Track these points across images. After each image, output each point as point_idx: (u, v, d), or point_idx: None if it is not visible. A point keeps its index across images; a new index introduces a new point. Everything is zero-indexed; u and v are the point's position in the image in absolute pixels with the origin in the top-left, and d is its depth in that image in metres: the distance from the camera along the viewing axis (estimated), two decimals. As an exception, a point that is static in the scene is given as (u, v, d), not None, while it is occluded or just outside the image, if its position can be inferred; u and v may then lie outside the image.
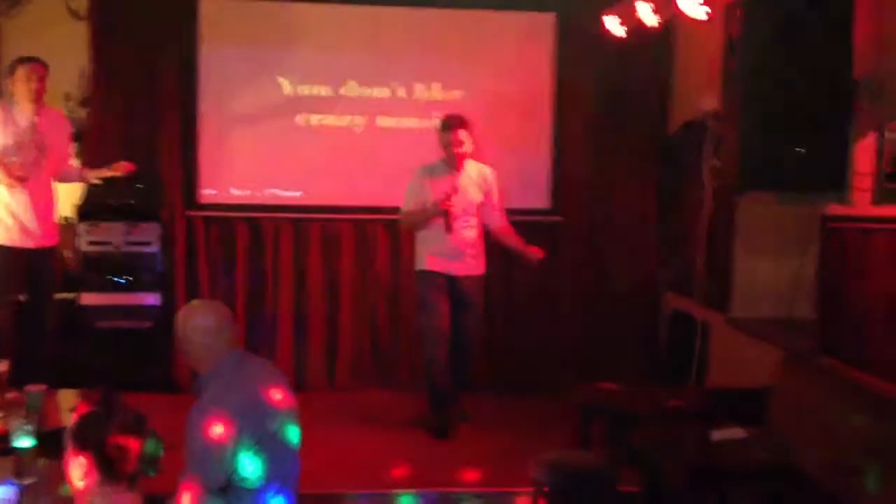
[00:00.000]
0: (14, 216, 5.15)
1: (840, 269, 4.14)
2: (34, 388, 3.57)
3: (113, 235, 5.80)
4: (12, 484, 2.85)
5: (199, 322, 3.06)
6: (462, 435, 5.38)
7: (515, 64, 6.28)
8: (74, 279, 5.81)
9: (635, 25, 5.40)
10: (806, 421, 3.72)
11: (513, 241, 5.51)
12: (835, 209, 4.14)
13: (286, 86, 6.15)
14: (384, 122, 6.24)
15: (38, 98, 5.14)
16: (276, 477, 2.94)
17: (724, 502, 3.55)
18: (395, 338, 6.31)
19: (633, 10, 5.20)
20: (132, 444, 2.13)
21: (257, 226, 6.20)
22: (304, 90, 6.17)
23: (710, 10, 4.64)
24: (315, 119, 6.20)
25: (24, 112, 5.14)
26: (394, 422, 5.61)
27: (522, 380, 6.24)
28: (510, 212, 5.67)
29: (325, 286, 6.25)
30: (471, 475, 4.79)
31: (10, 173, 5.02)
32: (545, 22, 6.29)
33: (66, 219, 5.87)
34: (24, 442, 2.92)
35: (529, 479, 3.99)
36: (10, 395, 3.72)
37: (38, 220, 5.21)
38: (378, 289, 6.29)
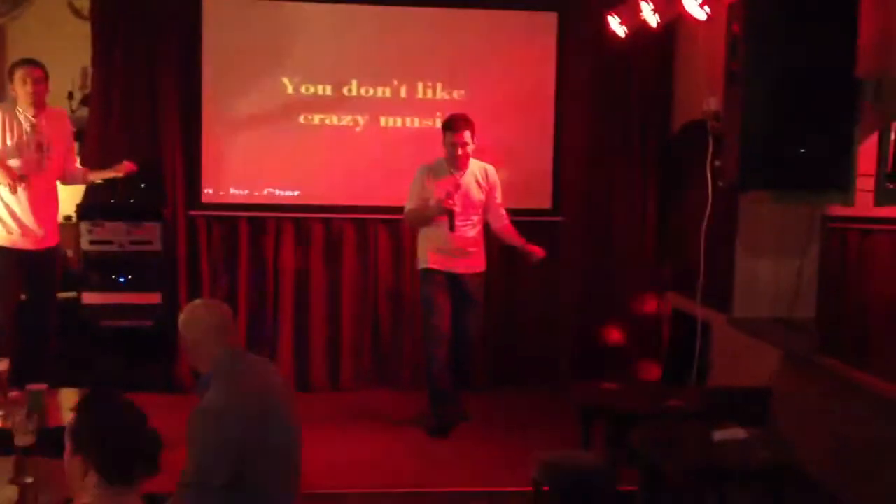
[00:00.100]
0: (15, 217, 5.16)
1: (841, 269, 4.14)
2: (35, 388, 3.58)
3: (115, 235, 5.80)
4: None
5: (201, 321, 3.07)
6: (462, 434, 5.38)
7: (517, 63, 6.28)
8: (76, 278, 5.82)
9: (637, 25, 5.40)
10: (806, 421, 3.73)
11: (514, 239, 5.51)
12: (836, 209, 4.14)
13: (289, 85, 6.15)
14: (386, 121, 6.24)
15: (37, 100, 5.15)
16: (277, 476, 2.94)
17: (725, 502, 3.55)
18: (396, 337, 6.31)
19: (635, 9, 5.20)
20: (131, 443, 2.13)
21: (259, 225, 6.20)
22: (307, 90, 6.18)
23: (710, 11, 4.65)
24: (317, 119, 6.20)
25: (24, 114, 5.16)
26: (395, 421, 5.62)
27: (522, 379, 6.24)
28: (511, 212, 5.67)
29: (327, 285, 6.26)
30: (471, 475, 4.79)
31: (10, 175, 5.04)
32: (547, 21, 6.29)
33: (67, 218, 5.88)
34: (26, 441, 2.93)
35: (529, 479, 4.00)
36: (12, 395, 3.73)
37: (40, 220, 5.22)
38: (379, 288, 6.29)
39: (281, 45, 6.15)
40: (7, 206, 5.14)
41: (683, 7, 4.78)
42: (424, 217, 5.35)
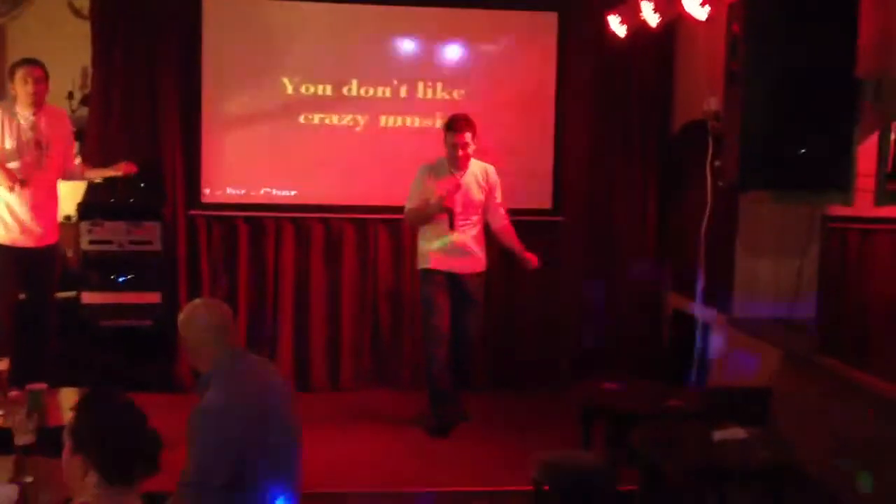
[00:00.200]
0: (14, 216, 5.17)
1: (841, 269, 4.14)
2: (35, 387, 3.57)
3: (115, 234, 5.80)
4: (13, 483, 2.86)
5: (201, 321, 3.07)
6: (462, 434, 5.38)
7: (517, 63, 6.28)
8: (76, 278, 5.81)
9: (637, 25, 5.40)
10: (806, 421, 3.73)
11: (512, 242, 5.52)
12: (836, 209, 4.14)
13: (288, 85, 6.15)
14: (387, 121, 6.24)
15: (37, 100, 5.16)
16: (277, 476, 2.94)
17: (725, 502, 3.55)
18: (396, 337, 6.31)
19: (635, 9, 5.20)
20: (132, 442, 2.12)
21: (259, 225, 6.20)
22: (307, 89, 6.17)
23: (710, 11, 4.65)
24: (317, 118, 6.20)
25: (24, 113, 5.17)
26: (395, 421, 5.61)
27: (523, 379, 6.24)
28: (511, 212, 5.67)
29: (327, 285, 6.25)
30: (471, 474, 4.79)
31: (10, 177, 5.04)
32: (547, 21, 6.29)
33: (67, 218, 5.88)
34: (26, 440, 2.93)
35: (529, 479, 4.00)
36: (12, 394, 3.72)
37: (39, 219, 5.23)
38: (379, 288, 6.29)
39: (281, 45, 6.15)
40: (7, 205, 5.15)
41: (683, 7, 4.79)
42: (424, 216, 5.35)
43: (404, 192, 5.47)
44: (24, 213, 5.18)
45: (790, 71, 3.70)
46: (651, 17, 5.19)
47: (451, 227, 5.27)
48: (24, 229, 5.20)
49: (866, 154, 3.83)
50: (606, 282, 6.34)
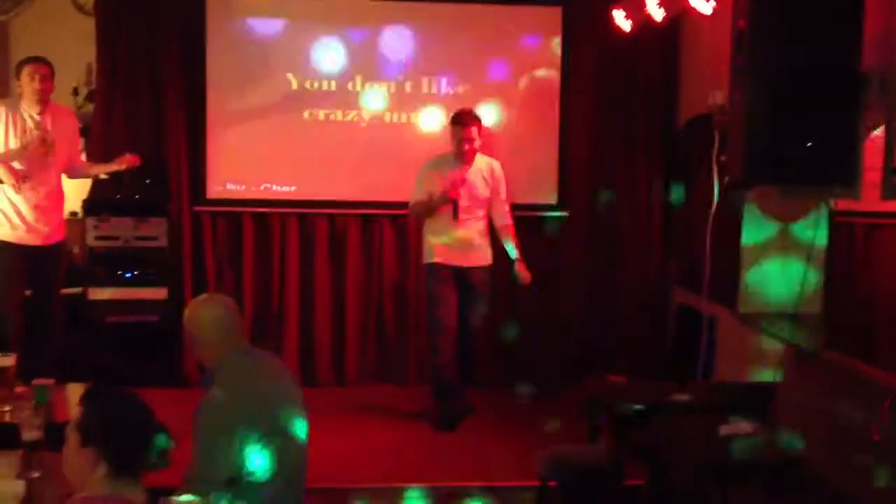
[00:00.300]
0: (20, 215, 5.18)
1: (847, 263, 4.14)
2: (42, 383, 3.58)
3: (120, 230, 5.81)
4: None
5: (207, 316, 3.07)
6: (468, 429, 5.39)
7: (522, 58, 6.28)
8: (82, 274, 5.83)
9: (642, 20, 5.39)
10: (813, 416, 3.72)
11: (512, 245, 5.52)
12: (842, 204, 4.13)
13: (293, 81, 6.15)
14: (391, 116, 6.23)
15: (43, 97, 5.17)
16: (283, 471, 2.95)
17: (730, 496, 3.54)
18: (401, 332, 6.32)
19: (640, 4, 5.19)
20: (139, 436, 2.13)
21: (264, 221, 6.21)
22: (311, 85, 6.17)
23: (715, 5, 4.63)
24: (322, 114, 6.20)
25: (30, 111, 5.17)
26: (400, 416, 5.63)
27: (528, 374, 6.24)
28: (516, 207, 5.67)
29: (332, 281, 6.26)
30: (477, 469, 4.79)
31: (15, 176, 5.05)
32: (551, 16, 6.28)
33: (73, 214, 5.89)
34: (33, 436, 2.93)
35: (535, 474, 4.00)
36: (18, 390, 3.73)
37: (45, 216, 5.24)
38: (384, 283, 6.30)
39: (285, 41, 6.15)
40: (12, 204, 5.16)
41: (688, 1, 4.77)
42: (428, 208, 5.36)
43: (409, 188, 5.48)
44: (30, 211, 5.19)
45: (795, 65, 3.69)
46: (656, 12, 5.18)
47: (455, 217, 5.28)
48: (30, 228, 5.21)
49: (872, 148, 3.82)
50: (611, 277, 6.34)
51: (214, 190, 6.15)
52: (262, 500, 2.91)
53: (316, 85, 6.17)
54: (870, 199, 3.87)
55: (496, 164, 5.49)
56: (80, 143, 5.64)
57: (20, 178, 5.07)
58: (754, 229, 5.03)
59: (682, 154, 6.07)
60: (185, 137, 6.05)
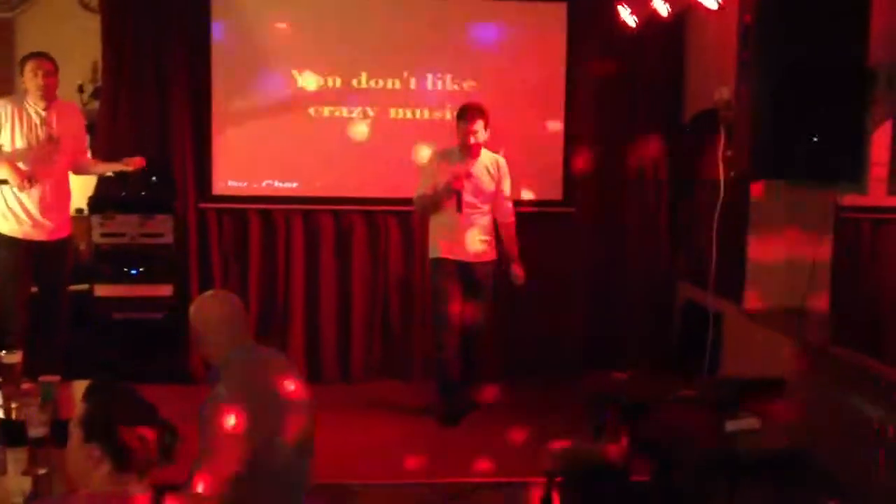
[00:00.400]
0: (26, 210, 5.19)
1: (854, 258, 4.12)
2: (48, 379, 3.59)
3: (126, 227, 5.83)
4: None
5: (212, 313, 3.07)
6: (473, 424, 5.39)
7: (527, 54, 6.27)
8: (88, 271, 5.84)
9: (647, 15, 5.38)
10: (819, 411, 3.71)
11: (510, 246, 5.55)
12: (849, 199, 4.12)
13: (298, 77, 6.15)
14: (396, 113, 6.23)
15: (47, 93, 5.18)
16: (288, 466, 2.95)
17: (737, 492, 3.54)
18: (406, 328, 6.32)
19: (646, -1, 5.18)
20: (144, 433, 2.13)
21: (269, 217, 6.21)
22: (317, 82, 6.17)
23: (721, 0, 4.62)
24: (327, 111, 6.20)
25: (35, 107, 5.18)
26: (405, 412, 5.63)
27: (534, 369, 6.24)
28: (522, 203, 5.67)
29: (337, 277, 6.26)
30: (482, 465, 4.79)
31: (20, 175, 5.06)
32: (557, 11, 6.27)
33: (79, 211, 5.90)
34: (39, 432, 2.94)
35: (541, 469, 3.99)
36: (25, 386, 3.73)
37: (51, 213, 5.25)
38: (389, 279, 6.30)
39: (290, 38, 6.15)
40: (18, 199, 5.17)
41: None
42: (433, 201, 5.37)
43: (414, 184, 5.48)
44: (35, 207, 5.20)
45: (802, 60, 3.68)
46: (661, 7, 5.16)
47: (459, 209, 5.28)
48: (36, 223, 5.22)
49: (880, 143, 3.80)
50: (617, 272, 6.33)
51: (220, 187, 6.15)
52: (269, 495, 2.91)
53: (321, 82, 6.17)
54: (877, 194, 3.86)
55: (501, 160, 5.49)
56: (87, 139, 5.64)
57: (25, 178, 5.08)
58: (760, 224, 5.02)
59: (687, 149, 6.06)
60: (190, 135, 6.06)
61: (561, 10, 6.27)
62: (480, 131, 5.31)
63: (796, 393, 3.93)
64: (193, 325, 3.11)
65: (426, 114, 6.23)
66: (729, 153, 5.01)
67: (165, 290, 5.86)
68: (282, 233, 6.21)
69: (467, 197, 5.32)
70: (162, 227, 5.87)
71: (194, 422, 2.85)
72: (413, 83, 6.22)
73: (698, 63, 6.04)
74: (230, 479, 2.82)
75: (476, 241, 5.40)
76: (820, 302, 4.36)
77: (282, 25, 6.14)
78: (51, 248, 5.29)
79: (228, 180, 6.15)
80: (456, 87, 6.22)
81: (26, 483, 2.80)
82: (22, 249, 5.22)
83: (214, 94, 6.08)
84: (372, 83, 6.20)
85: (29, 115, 5.18)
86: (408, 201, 5.63)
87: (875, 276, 4.00)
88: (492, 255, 5.51)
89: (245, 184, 6.17)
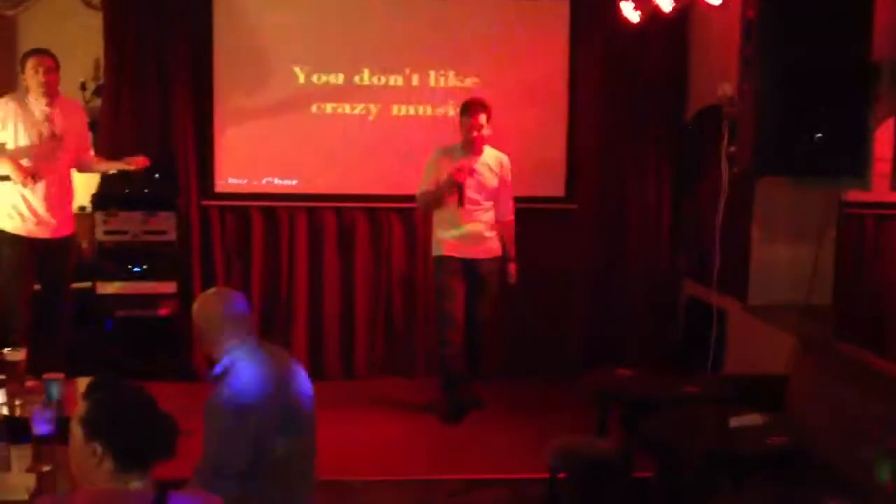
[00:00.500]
0: (30, 207, 5.19)
1: (857, 255, 4.12)
2: (52, 377, 3.59)
3: (129, 225, 5.82)
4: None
5: (215, 310, 3.07)
6: (477, 421, 5.39)
7: (530, 51, 6.26)
8: (91, 268, 5.84)
9: (650, 10, 5.37)
10: (823, 407, 3.71)
11: (507, 244, 5.55)
12: (853, 195, 4.11)
13: (300, 74, 6.14)
14: (399, 110, 6.23)
15: (49, 89, 5.17)
16: (292, 464, 2.95)
17: (740, 488, 3.54)
18: (409, 326, 6.31)
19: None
20: (146, 424, 2.13)
21: (272, 215, 6.21)
22: (319, 79, 6.17)
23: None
24: (329, 108, 6.19)
25: (37, 104, 5.18)
26: (408, 409, 5.63)
27: (536, 366, 6.24)
28: (524, 200, 5.66)
29: (340, 274, 6.26)
30: (486, 462, 4.80)
31: (23, 173, 5.07)
32: (559, 8, 6.25)
33: (82, 208, 5.90)
34: (43, 430, 2.94)
35: (545, 466, 4.00)
36: (29, 384, 3.74)
37: (54, 210, 5.25)
38: (393, 277, 6.29)
39: (292, 35, 6.14)
40: (22, 196, 5.17)
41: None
42: (436, 196, 5.36)
43: (417, 181, 5.48)
44: (39, 204, 5.20)
45: (805, 56, 3.68)
46: (664, 3, 5.15)
47: (461, 204, 5.28)
48: (39, 220, 5.22)
49: (883, 139, 3.80)
50: (620, 269, 6.33)
51: (222, 184, 6.15)
52: (273, 491, 2.92)
53: (323, 79, 6.16)
54: (880, 189, 3.85)
55: (505, 158, 5.49)
56: (90, 137, 5.64)
57: (29, 175, 5.08)
58: (764, 221, 5.02)
59: (691, 145, 6.05)
60: (193, 132, 6.05)
61: (563, 6, 6.25)
62: (484, 125, 5.31)
63: (800, 389, 3.93)
64: (196, 322, 3.11)
65: (428, 110, 6.23)
66: (732, 149, 5.00)
67: (168, 288, 5.86)
68: (285, 230, 6.21)
69: (470, 193, 5.32)
70: (165, 225, 5.87)
71: (198, 419, 2.85)
72: (415, 80, 6.21)
73: (701, 59, 6.03)
74: (233, 476, 2.83)
75: (479, 238, 5.40)
76: (823, 298, 4.36)
77: (284, 22, 6.12)
78: (54, 245, 5.30)
79: (231, 177, 6.15)
80: (458, 83, 6.21)
81: (30, 480, 2.80)
82: (25, 247, 5.23)
83: (217, 92, 6.08)
84: (374, 80, 6.19)
85: (32, 112, 5.17)
86: (410, 198, 5.63)
87: (878, 273, 4.00)
88: (496, 252, 5.51)
89: (248, 181, 6.17)
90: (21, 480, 2.80)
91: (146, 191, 5.87)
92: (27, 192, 5.15)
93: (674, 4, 5.13)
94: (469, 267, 5.41)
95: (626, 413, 4.17)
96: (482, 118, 5.30)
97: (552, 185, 6.32)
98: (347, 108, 6.19)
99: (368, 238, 6.26)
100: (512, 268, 5.58)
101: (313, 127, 6.19)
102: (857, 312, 4.13)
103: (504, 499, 4.42)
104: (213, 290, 3.31)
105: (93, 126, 5.76)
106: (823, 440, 3.58)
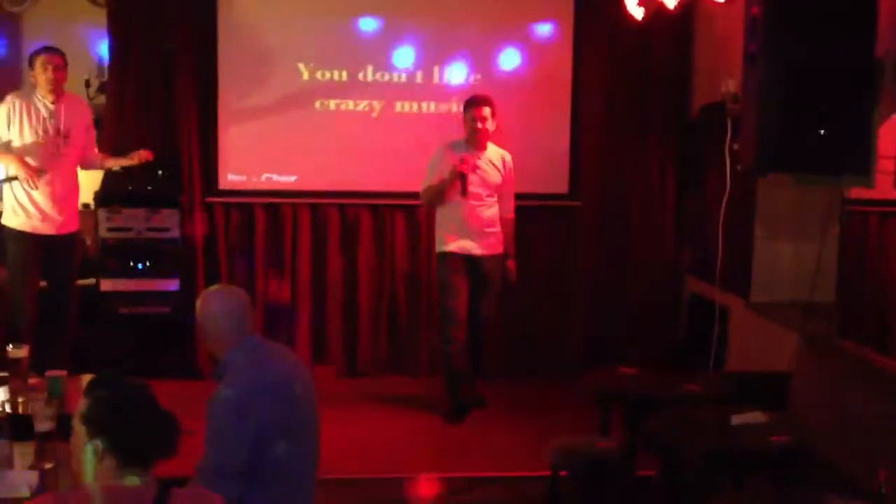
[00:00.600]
0: (35, 203, 5.20)
1: (861, 252, 4.11)
2: (55, 374, 3.60)
3: (133, 222, 5.82)
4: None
5: (218, 307, 3.07)
6: (479, 419, 5.39)
7: (533, 47, 6.25)
8: (94, 265, 5.85)
9: (654, 7, 5.36)
10: (826, 405, 3.70)
11: (507, 241, 5.54)
12: (856, 192, 4.10)
13: (304, 71, 6.14)
14: (402, 106, 6.22)
15: (56, 87, 5.20)
16: (295, 462, 2.95)
17: (743, 486, 3.54)
18: (413, 323, 6.31)
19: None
20: (147, 421, 2.13)
21: (276, 212, 6.21)
22: (322, 75, 6.17)
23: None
24: (333, 104, 6.19)
25: (44, 101, 5.20)
26: (412, 407, 5.63)
27: (538, 365, 6.23)
28: (528, 197, 5.65)
29: (343, 271, 6.26)
30: (488, 460, 4.80)
31: (29, 171, 5.08)
32: (564, 4, 6.25)
33: (85, 205, 5.90)
34: (45, 427, 2.95)
35: (547, 464, 4.00)
36: (32, 381, 3.74)
37: (60, 206, 5.26)
38: (396, 274, 6.29)
39: (296, 31, 6.14)
40: (28, 194, 5.18)
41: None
42: (439, 190, 5.36)
43: (420, 178, 5.47)
44: (44, 201, 5.21)
45: (809, 52, 3.67)
46: (668, -1, 5.15)
47: (463, 193, 5.27)
48: (44, 217, 5.23)
49: (886, 136, 3.79)
50: (623, 266, 6.32)
51: (226, 181, 6.15)
52: (274, 490, 2.92)
53: (327, 75, 6.16)
54: (884, 187, 3.85)
55: (508, 157, 5.49)
56: (94, 134, 5.65)
57: (35, 174, 5.10)
58: (767, 218, 5.01)
59: (694, 142, 6.04)
60: (196, 129, 6.05)
61: (568, 3, 6.24)
62: (488, 118, 5.31)
63: (802, 387, 3.92)
64: (199, 320, 3.10)
65: (432, 107, 6.22)
66: (736, 146, 4.99)
67: (172, 285, 5.86)
68: (288, 227, 6.21)
69: (473, 188, 5.32)
70: (168, 222, 5.87)
71: (201, 416, 2.85)
72: (419, 77, 6.21)
73: (705, 55, 6.02)
74: (235, 475, 2.83)
75: (483, 235, 5.40)
76: (826, 296, 4.36)
77: (288, 19, 6.12)
78: (59, 242, 5.31)
79: (235, 174, 6.15)
80: (462, 80, 6.20)
81: (33, 477, 2.81)
82: (31, 244, 5.24)
83: (220, 89, 6.07)
84: (378, 77, 6.19)
85: (38, 110, 5.20)
86: (414, 195, 5.63)
87: (881, 270, 4.00)
88: (499, 249, 5.50)
89: (251, 178, 6.17)
90: (23, 478, 2.81)
91: (149, 188, 5.87)
92: (33, 190, 5.16)
93: (678, 1, 5.12)
94: (472, 264, 5.41)
95: (628, 412, 4.17)
96: (486, 111, 5.30)
97: (555, 181, 6.31)
98: (351, 105, 6.19)
99: (372, 235, 6.26)
100: (511, 265, 5.58)
101: (317, 124, 6.19)
102: (861, 310, 4.13)
103: (505, 497, 4.43)
104: (216, 287, 3.30)
105: (97, 123, 5.77)
106: (826, 439, 3.58)
